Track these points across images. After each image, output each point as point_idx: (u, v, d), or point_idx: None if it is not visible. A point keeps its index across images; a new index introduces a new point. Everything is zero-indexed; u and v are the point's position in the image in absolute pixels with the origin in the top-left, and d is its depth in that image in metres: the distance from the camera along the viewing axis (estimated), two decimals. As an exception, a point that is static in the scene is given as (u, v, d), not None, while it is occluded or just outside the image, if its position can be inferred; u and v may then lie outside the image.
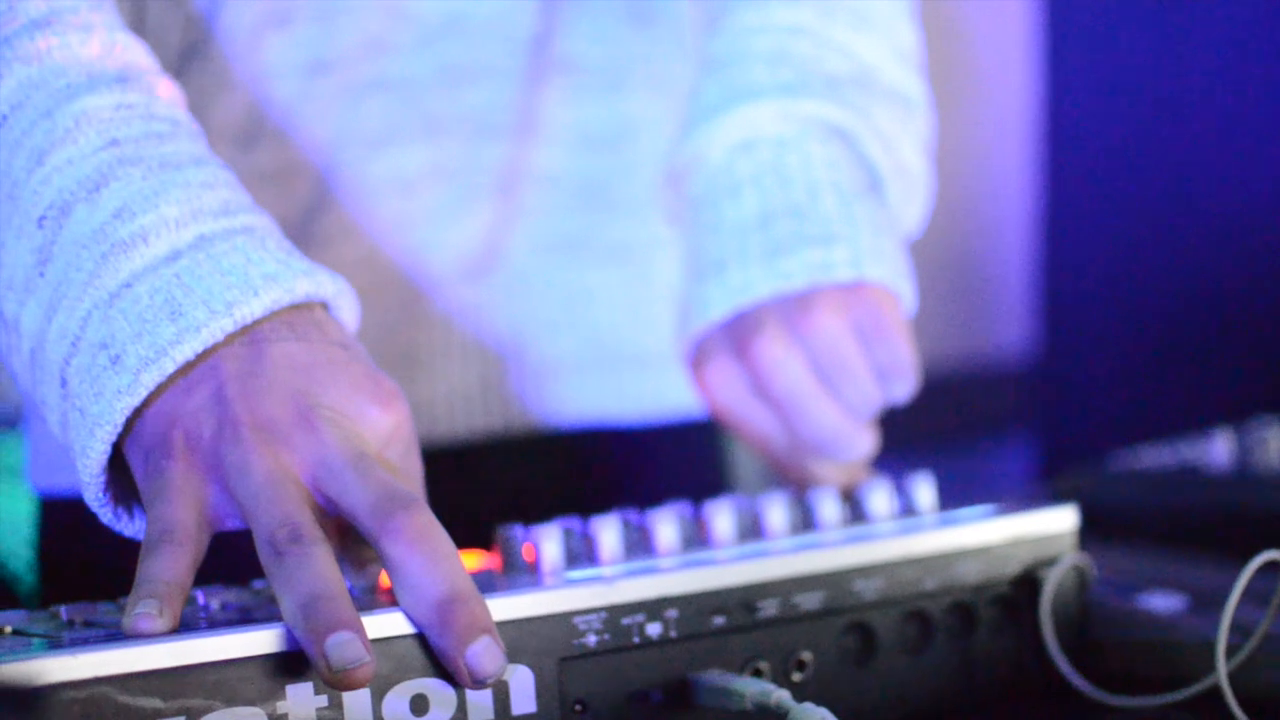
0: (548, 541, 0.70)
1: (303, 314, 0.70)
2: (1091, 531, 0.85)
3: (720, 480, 1.17)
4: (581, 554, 0.72)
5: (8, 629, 0.64)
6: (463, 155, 1.00)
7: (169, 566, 0.63)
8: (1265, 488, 0.98)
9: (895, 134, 0.93)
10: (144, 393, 0.66)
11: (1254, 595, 0.76)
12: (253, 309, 0.68)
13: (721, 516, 0.75)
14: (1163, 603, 0.84)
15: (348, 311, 0.73)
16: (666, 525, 0.73)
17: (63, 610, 0.65)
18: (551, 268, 1.05)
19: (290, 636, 0.60)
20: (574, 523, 0.73)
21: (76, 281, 0.68)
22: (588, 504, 0.82)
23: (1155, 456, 1.07)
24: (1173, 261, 2.16)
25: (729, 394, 0.87)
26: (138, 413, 0.67)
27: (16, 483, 1.51)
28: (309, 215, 0.97)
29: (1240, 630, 0.73)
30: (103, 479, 0.68)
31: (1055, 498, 1.05)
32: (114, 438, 0.67)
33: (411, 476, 0.70)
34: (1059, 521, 0.78)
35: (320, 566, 0.62)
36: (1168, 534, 1.01)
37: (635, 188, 1.07)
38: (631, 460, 1.11)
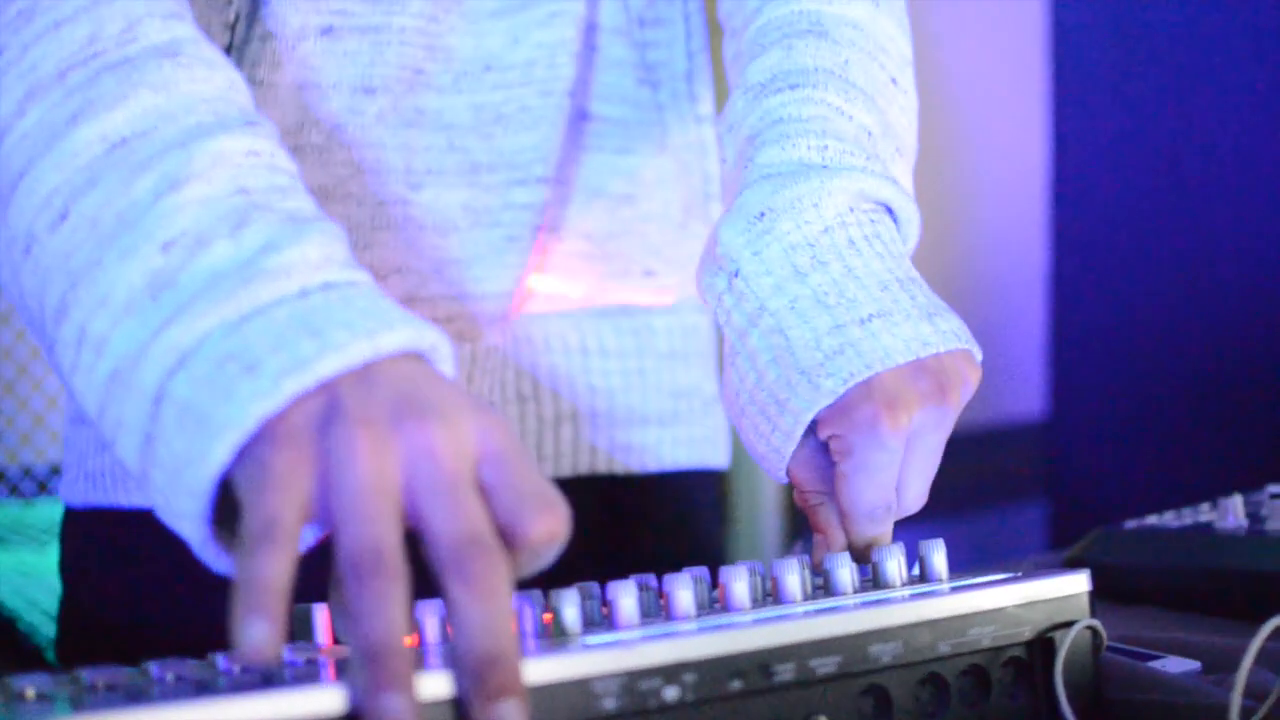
0: (566, 606, 0.70)
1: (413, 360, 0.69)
2: (1104, 594, 0.85)
3: (721, 528, 1.19)
4: (599, 619, 0.72)
5: (30, 693, 0.64)
6: (500, 199, 1.03)
7: (271, 569, 0.61)
8: (1278, 550, 0.98)
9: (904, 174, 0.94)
10: (283, 399, 0.65)
11: (1267, 658, 0.76)
12: (392, 340, 0.67)
13: (738, 581, 0.75)
14: (1176, 665, 0.84)
15: (447, 369, 0.71)
16: (683, 589, 0.73)
17: (84, 674, 0.66)
18: (567, 320, 1.08)
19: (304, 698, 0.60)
20: (592, 587, 0.74)
21: (200, 306, 0.68)
22: (596, 553, 0.81)
23: (1167, 520, 1.07)
24: (1184, 328, 2.17)
25: (839, 440, 0.85)
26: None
27: (45, 545, 1.52)
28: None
29: (1254, 694, 0.73)
30: (213, 493, 0.66)
31: (1067, 561, 1.06)
32: (242, 441, 0.65)
33: (508, 492, 0.66)
34: (1072, 585, 0.78)
35: (394, 611, 0.61)
36: (1180, 596, 1.01)
37: (641, 245, 1.10)
38: (636, 508, 1.12)
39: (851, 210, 0.87)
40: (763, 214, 0.86)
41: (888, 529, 0.85)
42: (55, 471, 2.05)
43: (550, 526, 0.65)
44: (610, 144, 1.08)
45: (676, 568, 0.76)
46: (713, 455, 1.17)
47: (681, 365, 1.13)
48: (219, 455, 0.65)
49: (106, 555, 1.04)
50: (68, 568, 1.09)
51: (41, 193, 0.72)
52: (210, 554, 0.69)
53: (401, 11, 0.98)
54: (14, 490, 2.00)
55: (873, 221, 0.88)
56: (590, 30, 1.06)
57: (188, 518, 0.68)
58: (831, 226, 0.86)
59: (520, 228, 1.04)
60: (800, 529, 0.99)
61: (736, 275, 0.87)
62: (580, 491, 1.07)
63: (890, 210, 0.89)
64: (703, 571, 0.77)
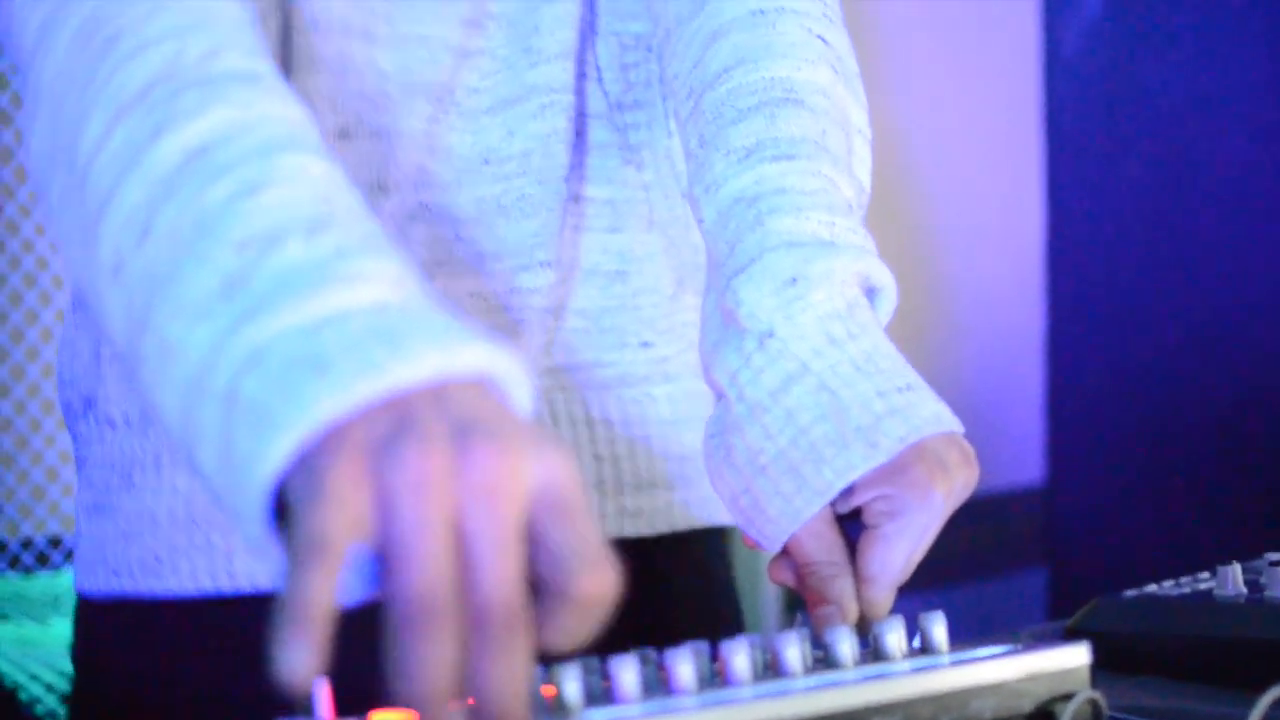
0: (567, 680, 0.70)
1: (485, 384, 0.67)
2: (1105, 663, 0.85)
3: (731, 592, 1.20)
4: (600, 692, 0.72)
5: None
6: (506, 285, 1.05)
7: (314, 591, 0.59)
8: (1278, 618, 0.98)
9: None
10: (354, 400, 0.63)
11: (1268, 729, 0.76)
12: (468, 357, 0.65)
13: (739, 655, 0.75)
14: (1178, 737, 0.84)
15: (522, 405, 0.68)
16: (684, 664, 0.73)
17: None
18: (570, 394, 1.09)
19: None
20: (592, 660, 0.74)
21: (273, 305, 0.66)
22: (614, 618, 0.81)
23: (1167, 589, 1.07)
24: (1182, 394, 2.17)
25: (887, 500, 0.88)
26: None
27: (46, 618, 1.52)
28: None
29: (1255, 764, 0.74)
30: (273, 493, 0.64)
31: (1068, 630, 1.06)
32: (305, 442, 0.63)
33: (559, 546, 0.64)
34: (1072, 658, 0.78)
35: (445, 656, 0.59)
36: (1181, 665, 1.01)
37: (636, 318, 1.12)
38: (649, 571, 1.13)
39: (858, 289, 0.91)
40: (794, 280, 0.88)
41: (892, 599, 0.88)
42: (55, 544, 2.05)
43: (598, 588, 0.63)
44: (602, 223, 1.10)
45: (697, 627, 0.77)
46: (721, 513, 1.17)
47: (685, 429, 1.14)
48: (279, 453, 0.63)
49: (128, 643, 1.04)
50: (85, 656, 1.08)
51: (126, 210, 0.72)
52: (266, 559, 0.66)
53: (409, 115, 1.01)
54: (14, 563, 2.00)
55: (868, 303, 0.92)
56: (579, 118, 1.08)
57: (245, 519, 0.65)
58: (853, 302, 0.89)
59: (528, 311, 1.06)
60: (797, 598, 0.99)
61: (771, 336, 0.89)
62: None
63: (874, 289, 0.92)
64: (703, 645, 0.77)
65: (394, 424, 0.62)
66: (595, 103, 1.10)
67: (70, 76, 0.77)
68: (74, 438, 1.07)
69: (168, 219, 0.71)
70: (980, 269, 2.67)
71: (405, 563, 0.60)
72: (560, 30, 1.06)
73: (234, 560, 1.00)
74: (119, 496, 1.03)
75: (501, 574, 0.61)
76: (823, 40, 1.01)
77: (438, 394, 0.63)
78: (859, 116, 1.03)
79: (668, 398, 1.13)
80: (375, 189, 1.01)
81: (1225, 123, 2.20)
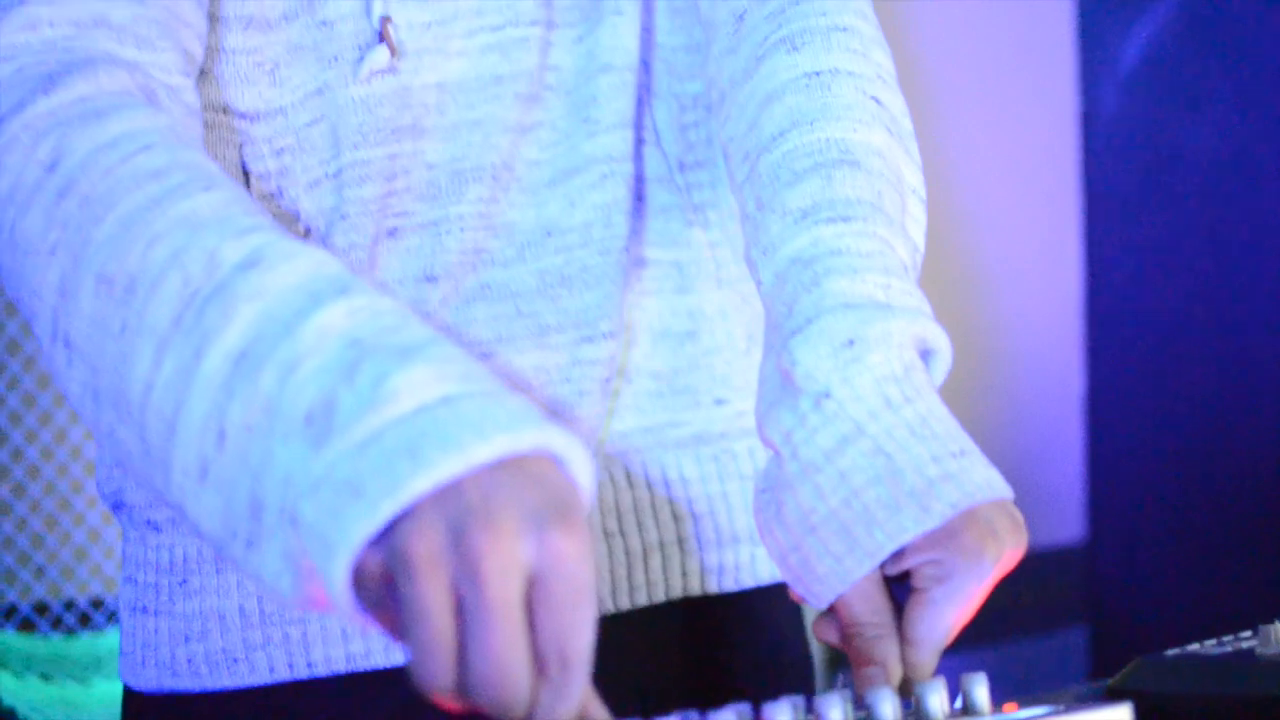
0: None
1: (534, 461, 0.74)
2: (1148, 724, 0.85)
3: (805, 648, 1.20)
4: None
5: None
6: (569, 357, 1.06)
7: (441, 680, 0.70)
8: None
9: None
10: (381, 520, 0.71)
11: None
12: (482, 453, 0.72)
13: (782, 715, 0.75)
14: (1221, 798, 0.84)
15: (580, 472, 0.75)
16: (727, 725, 0.74)
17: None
18: (647, 455, 1.10)
19: None
20: (635, 722, 0.74)
21: (333, 441, 0.73)
22: (692, 674, 0.83)
23: (1211, 648, 1.07)
24: (1223, 450, 2.16)
25: (937, 565, 0.89)
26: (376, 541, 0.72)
27: (88, 679, 1.52)
28: None
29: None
30: (349, 598, 0.72)
31: (1111, 690, 1.06)
32: (353, 558, 0.71)
33: (562, 633, 0.72)
34: (1114, 718, 0.78)
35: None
36: (1224, 726, 1.01)
37: (709, 376, 1.12)
38: (729, 625, 1.13)
39: (914, 352, 0.92)
40: (852, 342, 0.90)
41: (936, 662, 0.88)
42: (97, 605, 2.06)
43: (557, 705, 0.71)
44: (668, 285, 1.11)
45: (775, 682, 0.78)
46: None
47: None
48: (339, 573, 0.71)
49: None
50: None
51: (198, 422, 0.78)
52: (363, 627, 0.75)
53: (459, 200, 1.03)
54: (56, 623, 2.01)
55: (923, 366, 0.93)
56: (638, 183, 1.09)
57: (346, 618, 0.74)
58: (909, 365, 0.90)
59: (590, 382, 1.06)
60: (840, 657, 0.99)
61: (827, 396, 0.90)
62: (671, 617, 1.10)
63: (929, 351, 0.93)
64: (745, 706, 0.78)
65: (403, 522, 0.71)
66: (655, 166, 1.10)
67: (102, 327, 0.82)
68: (123, 532, 1.09)
69: (238, 417, 0.77)
70: (1019, 326, 2.67)
71: (477, 639, 0.69)
72: (617, 99, 1.07)
73: (311, 650, 1.01)
74: (172, 599, 1.04)
75: (487, 645, 0.69)
76: (877, 102, 1.02)
77: (453, 489, 0.71)
78: (914, 177, 1.04)
79: (748, 452, 1.14)
80: (424, 280, 1.02)
81: (1264, 179, 2.20)
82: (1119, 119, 2.41)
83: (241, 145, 0.98)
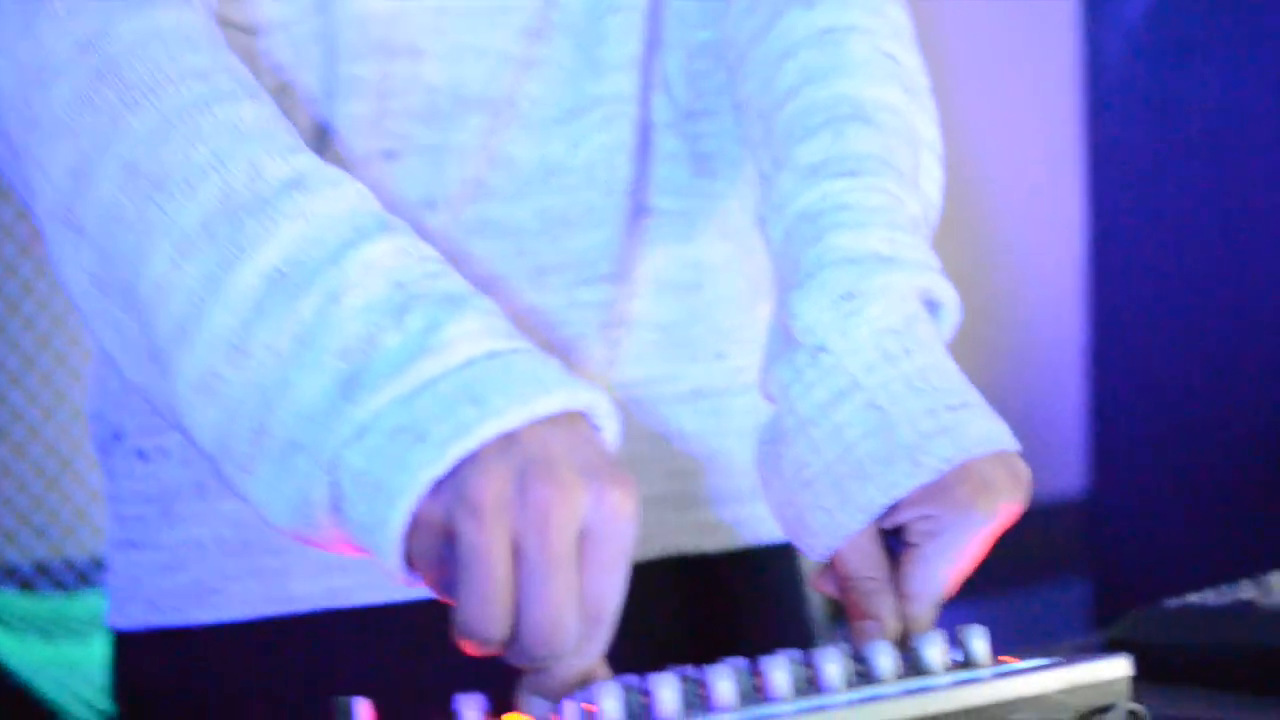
0: (606, 699, 0.70)
1: (577, 419, 0.76)
2: (1146, 674, 0.85)
3: (804, 608, 1.20)
4: (639, 711, 0.72)
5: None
6: (566, 300, 1.04)
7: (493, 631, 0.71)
8: (1322, 628, 0.98)
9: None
10: (448, 464, 0.71)
11: (1311, 739, 0.76)
12: (546, 405, 0.73)
13: (779, 670, 0.75)
14: (1220, 748, 0.84)
15: (609, 433, 0.78)
16: (724, 681, 0.74)
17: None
18: (644, 408, 1.09)
19: None
20: (632, 679, 0.74)
21: (378, 386, 0.74)
22: (688, 633, 0.83)
23: (1209, 598, 1.07)
24: (1224, 402, 2.16)
25: (930, 520, 0.88)
26: (436, 486, 0.72)
27: (87, 637, 1.52)
28: None
29: (1298, 775, 0.73)
30: (401, 547, 0.73)
31: (1109, 641, 1.06)
32: (416, 506, 0.72)
33: (605, 590, 0.73)
34: (1113, 670, 0.78)
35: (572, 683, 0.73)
36: (1223, 675, 1.01)
37: (711, 329, 1.11)
38: (727, 584, 1.13)
39: (919, 304, 0.91)
40: (851, 295, 0.89)
41: (935, 615, 0.88)
42: (97, 564, 2.06)
43: (575, 662, 0.73)
44: (672, 235, 1.10)
45: (772, 641, 0.77)
46: None
47: None
48: (398, 519, 0.72)
49: (176, 674, 1.04)
50: (129, 691, 1.07)
51: (217, 335, 0.77)
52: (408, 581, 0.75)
53: (460, 129, 1.01)
54: (57, 584, 2.01)
55: (930, 318, 0.92)
56: (645, 128, 1.08)
57: (389, 569, 0.74)
58: (911, 317, 0.89)
59: (587, 326, 1.05)
60: (841, 611, 0.98)
61: (824, 350, 0.89)
62: (667, 574, 1.10)
63: (936, 304, 0.93)
64: (743, 661, 0.77)
65: (466, 466, 0.72)
66: (663, 112, 1.09)
67: (119, 218, 0.80)
68: (105, 473, 1.07)
69: (265, 338, 0.76)
70: (1022, 277, 2.67)
71: (533, 596, 0.71)
72: (626, 40, 1.05)
73: (290, 583, 1.00)
74: (156, 530, 1.03)
75: (545, 597, 0.71)
76: (891, 58, 1.01)
77: (512, 439, 0.72)
78: (930, 132, 1.03)
79: (745, 409, 1.13)
80: (423, 206, 1.00)
81: (1269, 129, 2.20)
82: (1123, 66, 2.40)
83: (241, 61, 0.95)
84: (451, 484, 0.71)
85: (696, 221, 1.11)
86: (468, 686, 0.75)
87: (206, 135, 0.81)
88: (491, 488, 0.71)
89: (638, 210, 1.08)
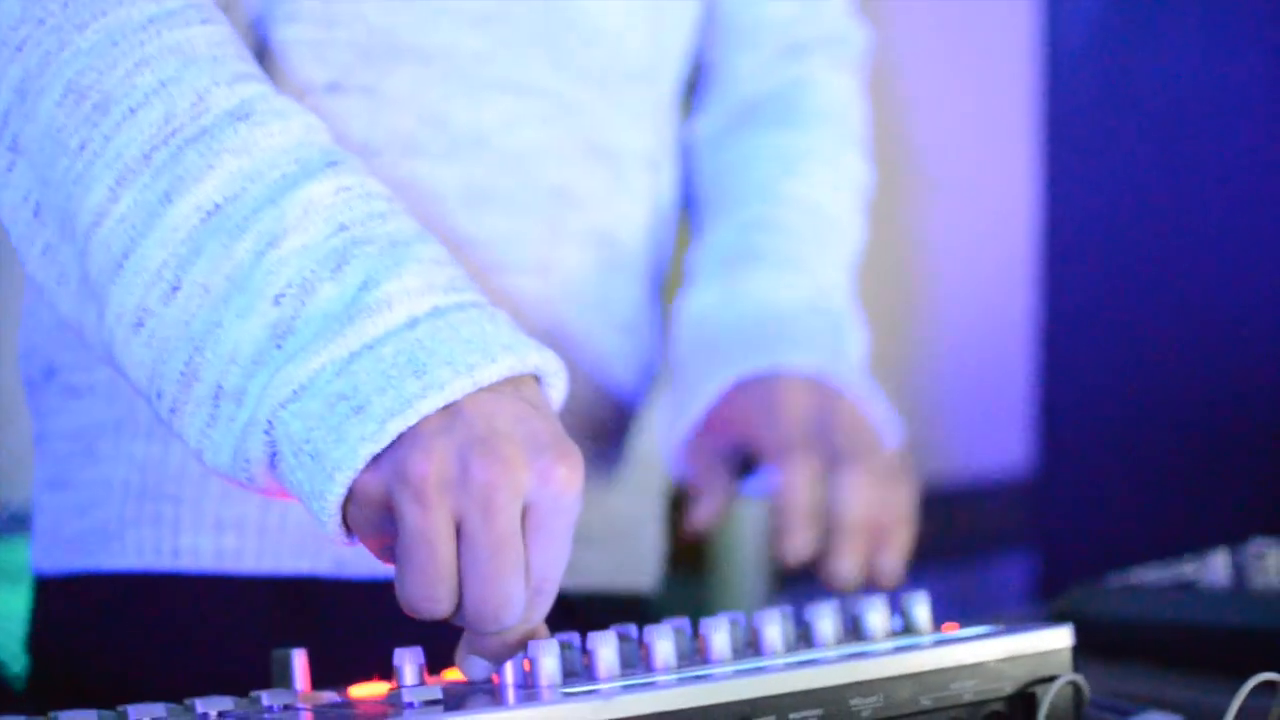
0: (545, 656, 0.70)
1: (525, 381, 0.75)
2: (1087, 648, 0.85)
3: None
4: (579, 669, 0.72)
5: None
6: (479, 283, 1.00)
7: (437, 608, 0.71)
8: (1262, 606, 0.98)
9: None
10: (388, 439, 0.70)
11: (1249, 714, 0.76)
12: (490, 373, 0.72)
13: (719, 633, 0.75)
14: (1159, 721, 0.84)
15: (557, 391, 0.77)
16: (664, 641, 0.73)
17: (62, 716, 0.66)
18: None
19: None
20: (572, 637, 0.74)
21: (314, 345, 0.72)
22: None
23: (1152, 574, 1.07)
24: (1172, 381, 2.17)
25: None
26: (374, 459, 0.71)
27: (18, 584, 1.50)
28: None
29: (1236, 750, 0.73)
30: (339, 516, 0.72)
31: (1052, 615, 1.06)
32: (353, 480, 0.71)
33: (549, 562, 0.73)
34: (1054, 640, 0.78)
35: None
36: (1164, 651, 1.01)
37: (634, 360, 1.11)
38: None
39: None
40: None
41: None
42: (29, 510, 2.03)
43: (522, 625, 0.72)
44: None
45: None
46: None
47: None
48: (336, 491, 0.71)
49: (83, 621, 1.01)
50: (40, 636, 1.05)
51: (151, 268, 0.75)
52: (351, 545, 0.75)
53: (391, 75, 0.97)
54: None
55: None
56: (598, 150, 1.07)
57: (330, 535, 0.74)
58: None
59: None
60: (783, 576, 0.98)
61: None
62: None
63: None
64: (684, 622, 0.77)
65: (407, 443, 0.70)
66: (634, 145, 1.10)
67: (59, 141, 0.78)
68: (34, 414, 1.04)
69: (198, 276, 0.75)
70: (971, 256, 2.67)
71: (482, 578, 0.70)
72: (589, 50, 1.04)
73: (180, 536, 0.97)
74: (79, 468, 1.00)
75: (489, 575, 0.70)
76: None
77: (454, 410, 0.71)
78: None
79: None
80: (364, 150, 0.96)
81: (1227, 117, 2.20)
82: (1082, 54, 2.41)
83: None
84: (391, 459, 0.71)
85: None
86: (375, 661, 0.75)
87: (152, 58, 0.78)
88: (433, 467, 0.70)
89: (567, 210, 1.05)
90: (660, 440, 1.11)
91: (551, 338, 1.03)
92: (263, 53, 0.94)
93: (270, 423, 0.72)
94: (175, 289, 0.75)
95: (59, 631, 1.03)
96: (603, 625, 0.76)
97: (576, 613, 1.07)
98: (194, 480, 0.96)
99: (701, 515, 1.04)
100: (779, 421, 1.01)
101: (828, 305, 1.11)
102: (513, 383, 0.74)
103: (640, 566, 1.16)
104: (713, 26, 1.20)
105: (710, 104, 1.21)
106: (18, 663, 1.08)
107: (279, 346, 0.73)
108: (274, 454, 0.73)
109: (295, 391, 0.72)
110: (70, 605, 1.02)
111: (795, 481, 1.01)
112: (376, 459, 0.71)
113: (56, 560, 1.02)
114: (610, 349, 1.08)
